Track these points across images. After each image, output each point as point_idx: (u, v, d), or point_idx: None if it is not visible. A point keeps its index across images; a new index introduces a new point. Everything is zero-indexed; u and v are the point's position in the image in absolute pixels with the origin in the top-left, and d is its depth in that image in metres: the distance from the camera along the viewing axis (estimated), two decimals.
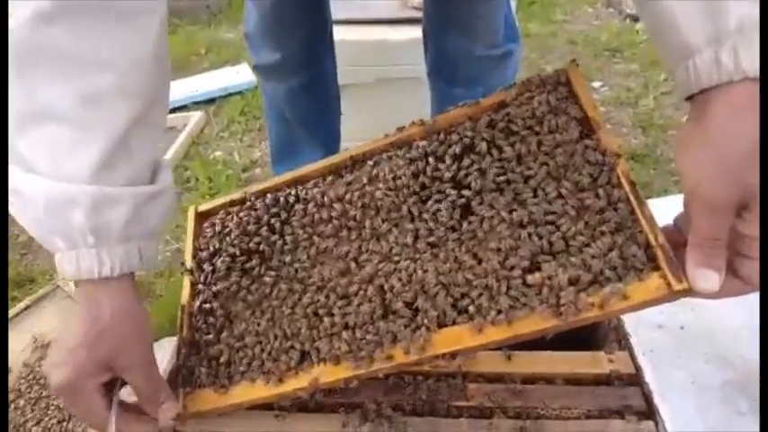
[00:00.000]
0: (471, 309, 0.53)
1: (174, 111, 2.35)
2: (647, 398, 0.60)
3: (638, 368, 0.62)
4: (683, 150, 0.46)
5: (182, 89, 2.41)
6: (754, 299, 0.95)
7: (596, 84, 2.10)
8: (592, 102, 0.56)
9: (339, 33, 1.48)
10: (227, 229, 0.70)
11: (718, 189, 0.43)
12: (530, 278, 0.52)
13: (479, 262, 0.54)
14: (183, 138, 2.09)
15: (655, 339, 0.98)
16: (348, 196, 0.64)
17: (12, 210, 0.53)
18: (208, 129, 2.19)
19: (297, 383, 0.57)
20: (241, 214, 0.71)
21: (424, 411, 0.62)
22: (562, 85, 0.58)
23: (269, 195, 0.70)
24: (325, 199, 0.65)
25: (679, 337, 0.99)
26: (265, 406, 0.62)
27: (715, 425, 0.87)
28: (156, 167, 0.59)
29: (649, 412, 0.59)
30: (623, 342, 0.66)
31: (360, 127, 1.60)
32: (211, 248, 0.70)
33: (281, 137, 1.47)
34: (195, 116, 2.23)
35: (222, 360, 0.63)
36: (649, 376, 0.61)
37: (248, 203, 0.71)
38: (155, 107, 0.55)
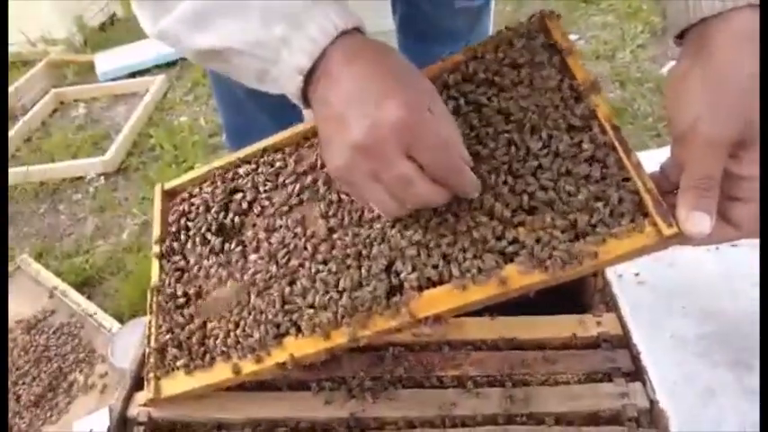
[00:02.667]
0: (453, 268, 0.50)
1: (134, 75, 2.24)
2: (635, 359, 0.59)
3: (625, 329, 0.61)
4: (676, 88, 0.43)
5: (140, 52, 2.28)
6: (730, 252, 0.95)
7: (573, 37, 2.05)
8: (571, 46, 0.54)
9: None
10: (195, 206, 0.67)
11: (719, 124, 0.40)
12: (515, 231, 0.49)
13: (458, 219, 0.52)
14: (145, 103, 2.00)
15: (634, 296, 0.98)
16: (320, 162, 0.60)
17: (221, 65, 0.50)
18: (171, 93, 2.09)
19: (275, 359, 0.55)
20: (208, 190, 0.67)
21: (409, 383, 0.60)
22: (539, 33, 0.57)
23: (238, 169, 0.66)
24: (297, 168, 0.61)
25: (657, 293, 0.99)
26: (244, 386, 0.59)
27: (688, 376, 0.88)
28: None
29: (637, 373, 0.58)
30: (611, 303, 0.64)
31: None
32: (179, 226, 0.67)
33: (237, 125, 1.13)
34: (157, 80, 2.12)
35: (195, 340, 0.59)
36: (637, 337, 0.60)
37: (216, 179, 0.67)
38: None
